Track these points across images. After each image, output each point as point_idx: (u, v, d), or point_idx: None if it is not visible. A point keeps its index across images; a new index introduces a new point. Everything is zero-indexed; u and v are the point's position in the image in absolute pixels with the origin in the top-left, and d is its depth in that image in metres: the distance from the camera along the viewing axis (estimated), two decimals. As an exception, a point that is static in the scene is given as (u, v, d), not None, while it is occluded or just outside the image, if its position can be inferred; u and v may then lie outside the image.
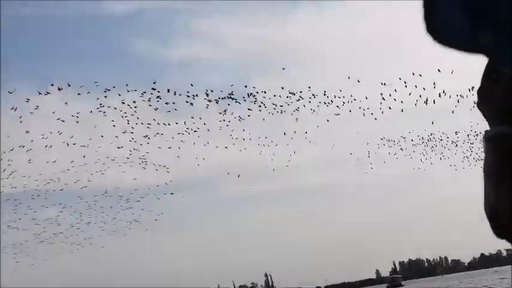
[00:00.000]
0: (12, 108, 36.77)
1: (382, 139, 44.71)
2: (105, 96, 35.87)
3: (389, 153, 45.35)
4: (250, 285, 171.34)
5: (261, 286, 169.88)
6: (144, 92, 35.61)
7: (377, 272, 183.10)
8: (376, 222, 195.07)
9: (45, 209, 47.42)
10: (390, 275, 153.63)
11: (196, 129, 39.41)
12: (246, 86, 38.62)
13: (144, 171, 44.54)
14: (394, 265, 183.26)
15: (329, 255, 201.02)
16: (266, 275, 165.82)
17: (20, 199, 45.95)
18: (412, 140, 43.54)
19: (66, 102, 40.51)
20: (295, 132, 42.61)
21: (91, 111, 39.20)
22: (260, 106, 38.27)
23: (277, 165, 47.52)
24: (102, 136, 40.92)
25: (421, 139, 42.91)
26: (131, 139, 40.22)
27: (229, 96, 36.72)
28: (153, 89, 35.85)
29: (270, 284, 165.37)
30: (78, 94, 36.00)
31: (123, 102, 37.07)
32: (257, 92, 36.94)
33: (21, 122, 37.52)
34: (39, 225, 48.63)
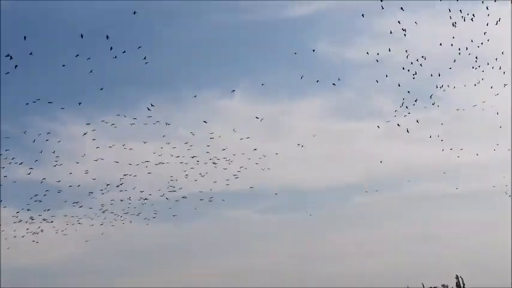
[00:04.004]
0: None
1: None
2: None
3: None
4: (440, 287, 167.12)
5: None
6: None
7: None
8: None
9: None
10: None
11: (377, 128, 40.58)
12: (440, 87, 39.11)
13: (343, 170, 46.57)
14: None
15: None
16: (457, 277, 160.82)
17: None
18: None
19: (248, 106, 44.16)
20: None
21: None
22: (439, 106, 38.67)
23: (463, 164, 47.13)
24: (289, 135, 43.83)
25: None
26: (321, 139, 42.69)
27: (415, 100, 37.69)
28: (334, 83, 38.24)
29: (462, 286, 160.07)
30: (264, 96, 39.54)
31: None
32: (444, 90, 37.39)
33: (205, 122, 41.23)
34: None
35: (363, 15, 41.63)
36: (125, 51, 35.89)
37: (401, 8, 38.43)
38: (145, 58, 37.01)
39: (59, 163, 41.21)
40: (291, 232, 52.82)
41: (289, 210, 49.64)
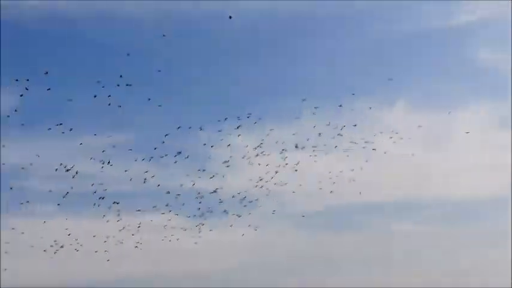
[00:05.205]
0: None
1: None
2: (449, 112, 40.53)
3: None
4: None
5: None
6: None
7: None
8: None
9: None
10: None
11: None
12: None
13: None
14: None
15: None
16: None
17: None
18: None
19: (410, 115, 44.51)
20: None
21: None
22: None
23: None
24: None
25: None
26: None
27: None
28: None
29: None
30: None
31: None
32: None
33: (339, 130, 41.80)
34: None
35: None
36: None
37: None
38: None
39: (215, 173, 42.04)
40: (449, 245, 53.11)
41: (451, 222, 50.22)
